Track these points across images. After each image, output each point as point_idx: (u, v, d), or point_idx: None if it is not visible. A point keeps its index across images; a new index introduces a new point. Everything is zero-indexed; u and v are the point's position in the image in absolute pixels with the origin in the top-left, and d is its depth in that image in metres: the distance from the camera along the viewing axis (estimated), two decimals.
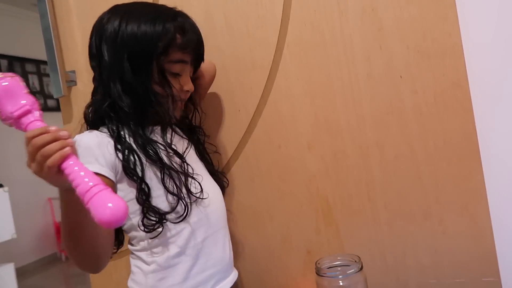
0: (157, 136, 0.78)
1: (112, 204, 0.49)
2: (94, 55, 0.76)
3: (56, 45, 1.10)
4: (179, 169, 0.76)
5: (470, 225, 0.81)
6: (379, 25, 0.84)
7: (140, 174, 0.72)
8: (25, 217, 3.70)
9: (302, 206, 0.94)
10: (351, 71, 0.86)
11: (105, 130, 0.74)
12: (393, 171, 0.85)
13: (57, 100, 1.19)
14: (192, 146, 0.86)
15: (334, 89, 0.88)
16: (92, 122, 0.77)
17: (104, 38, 0.74)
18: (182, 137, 0.85)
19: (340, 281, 0.74)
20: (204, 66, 0.86)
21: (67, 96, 1.12)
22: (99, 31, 0.76)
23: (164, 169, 0.74)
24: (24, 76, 3.71)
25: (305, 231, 0.93)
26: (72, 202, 0.57)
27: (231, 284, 0.83)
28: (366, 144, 0.87)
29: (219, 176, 0.92)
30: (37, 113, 0.56)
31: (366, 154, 0.87)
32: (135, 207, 0.73)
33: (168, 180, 0.74)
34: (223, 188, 0.90)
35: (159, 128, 0.79)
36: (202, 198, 0.78)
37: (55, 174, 0.53)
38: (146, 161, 0.73)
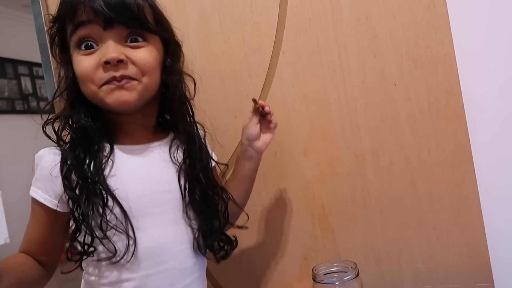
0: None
1: None
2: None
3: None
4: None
5: (463, 231, 0.82)
6: (373, 33, 0.84)
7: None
8: (19, 221, 3.65)
9: (298, 212, 0.94)
10: (345, 79, 0.87)
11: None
12: (387, 177, 0.86)
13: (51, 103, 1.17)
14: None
15: (329, 96, 0.89)
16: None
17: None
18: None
19: None
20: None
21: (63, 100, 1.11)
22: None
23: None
24: (17, 78, 3.68)
25: (301, 237, 0.94)
26: None
27: None
28: (361, 151, 0.87)
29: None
30: None
31: (361, 161, 0.88)
32: None
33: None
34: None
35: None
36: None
37: None
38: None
